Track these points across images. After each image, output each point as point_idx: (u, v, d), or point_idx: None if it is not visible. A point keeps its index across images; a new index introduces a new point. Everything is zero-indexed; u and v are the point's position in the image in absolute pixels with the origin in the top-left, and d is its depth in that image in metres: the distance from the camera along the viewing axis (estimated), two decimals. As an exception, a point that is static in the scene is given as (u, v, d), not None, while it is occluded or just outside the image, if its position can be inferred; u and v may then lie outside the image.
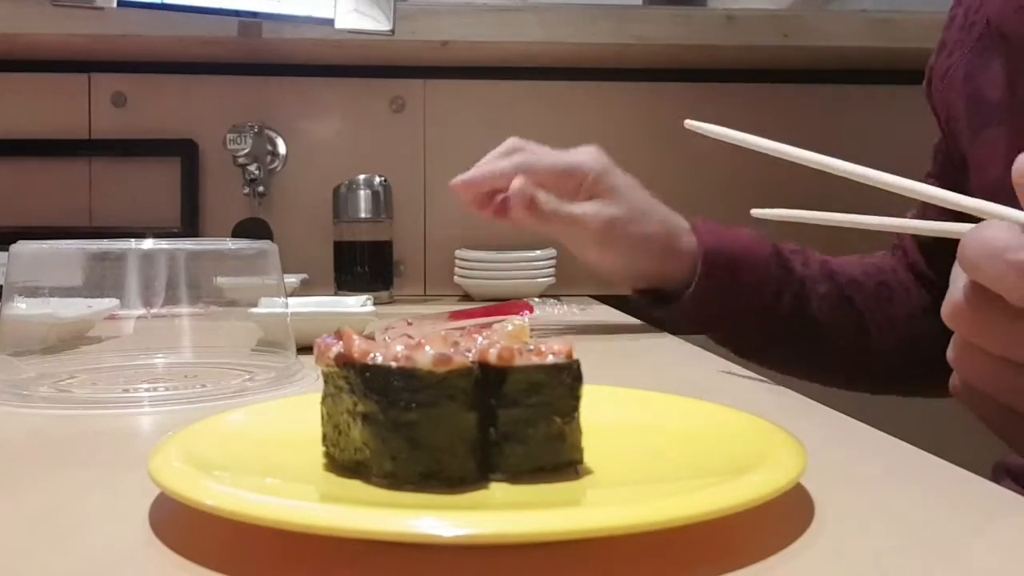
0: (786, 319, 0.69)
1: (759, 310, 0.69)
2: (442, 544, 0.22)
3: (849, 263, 0.75)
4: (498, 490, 0.27)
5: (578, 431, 0.29)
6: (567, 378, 0.28)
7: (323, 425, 0.30)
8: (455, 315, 0.78)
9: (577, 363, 0.28)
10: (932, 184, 0.77)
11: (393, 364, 0.26)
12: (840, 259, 0.76)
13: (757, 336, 0.71)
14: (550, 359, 0.28)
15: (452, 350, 0.27)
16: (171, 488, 0.25)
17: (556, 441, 0.28)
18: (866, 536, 0.25)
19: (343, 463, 0.29)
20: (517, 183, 0.67)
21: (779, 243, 0.72)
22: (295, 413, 0.34)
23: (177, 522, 0.27)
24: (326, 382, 0.29)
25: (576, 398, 0.28)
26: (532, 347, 0.28)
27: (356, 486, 0.28)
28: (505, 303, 0.87)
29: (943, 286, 0.33)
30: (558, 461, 0.28)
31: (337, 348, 0.28)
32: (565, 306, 1.02)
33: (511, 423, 0.28)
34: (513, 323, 0.31)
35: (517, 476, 0.28)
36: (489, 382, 0.28)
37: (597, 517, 0.23)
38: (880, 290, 0.73)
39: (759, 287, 0.69)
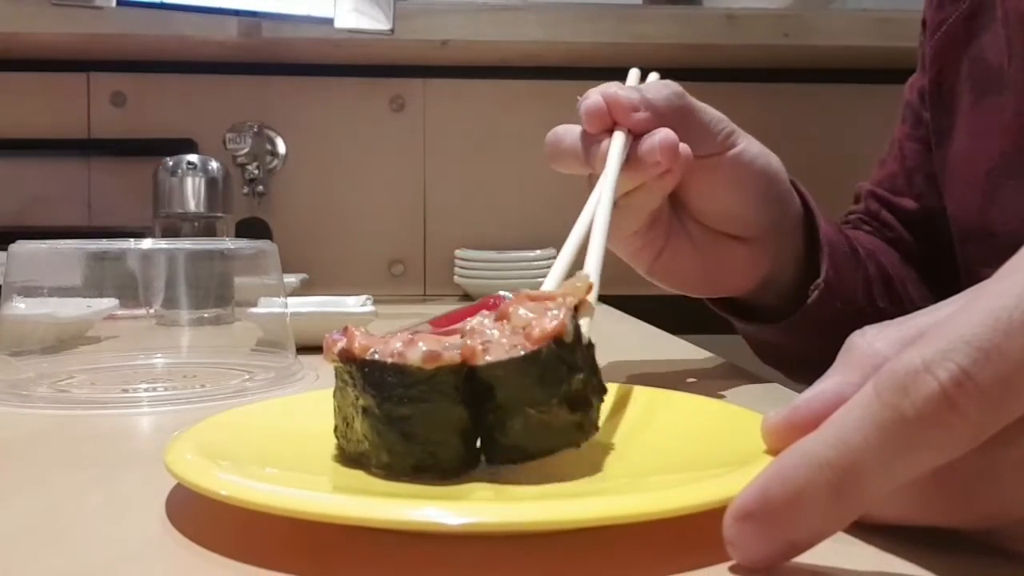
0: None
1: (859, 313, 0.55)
2: (446, 532, 0.22)
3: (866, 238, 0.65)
4: (492, 483, 0.28)
5: (567, 416, 0.28)
6: (533, 369, 0.27)
7: (335, 417, 0.30)
8: (436, 322, 0.78)
9: (547, 351, 0.27)
10: (906, 131, 0.67)
11: (388, 360, 0.27)
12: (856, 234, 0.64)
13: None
14: (519, 352, 0.27)
15: (444, 347, 0.27)
16: (187, 479, 0.25)
17: (539, 430, 0.28)
18: (863, 534, 0.24)
19: (349, 454, 0.30)
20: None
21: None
22: (306, 407, 0.35)
23: (179, 520, 0.27)
24: (336, 376, 0.30)
25: (551, 385, 0.27)
26: (520, 330, 0.28)
27: (359, 476, 0.28)
28: (480, 301, 0.86)
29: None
30: (550, 448, 0.28)
31: (342, 343, 0.29)
32: None
33: (492, 417, 0.28)
34: (577, 283, 0.30)
35: (511, 468, 0.28)
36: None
37: (598, 506, 0.24)
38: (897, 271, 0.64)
39: (855, 284, 0.56)
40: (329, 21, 1.06)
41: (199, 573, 0.23)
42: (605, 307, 1.11)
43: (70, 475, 0.34)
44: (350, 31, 1.08)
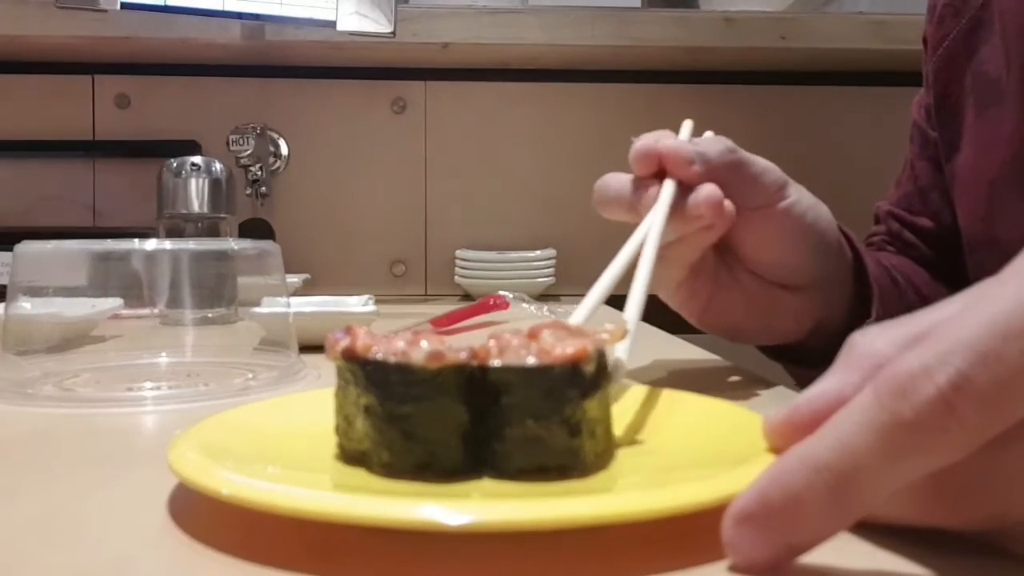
0: None
1: None
2: (446, 532, 0.22)
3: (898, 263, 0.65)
4: (493, 483, 0.28)
5: (565, 439, 0.28)
6: (542, 382, 0.27)
7: (336, 415, 0.30)
8: (437, 321, 0.78)
9: (560, 368, 0.28)
10: (915, 151, 0.68)
11: (391, 359, 0.27)
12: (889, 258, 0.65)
13: None
14: (530, 361, 0.28)
15: (448, 348, 0.28)
16: (189, 478, 0.26)
17: (534, 444, 0.28)
18: (861, 531, 0.24)
19: (350, 453, 0.30)
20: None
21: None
22: (308, 406, 0.35)
23: (183, 518, 0.27)
24: (338, 374, 0.30)
25: (556, 402, 0.28)
26: (543, 351, 0.28)
27: (360, 475, 0.28)
28: (480, 301, 0.87)
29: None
30: (540, 464, 0.28)
31: (345, 342, 0.29)
32: (543, 306, 0.98)
33: (493, 420, 0.28)
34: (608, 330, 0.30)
35: (504, 474, 0.28)
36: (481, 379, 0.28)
37: (599, 505, 0.24)
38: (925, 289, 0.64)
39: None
40: (331, 24, 1.07)
41: (202, 571, 0.24)
42: (604, 307, 1.11)
43: (74, 473, 0.34)
44: (352, 34, 1.08)
